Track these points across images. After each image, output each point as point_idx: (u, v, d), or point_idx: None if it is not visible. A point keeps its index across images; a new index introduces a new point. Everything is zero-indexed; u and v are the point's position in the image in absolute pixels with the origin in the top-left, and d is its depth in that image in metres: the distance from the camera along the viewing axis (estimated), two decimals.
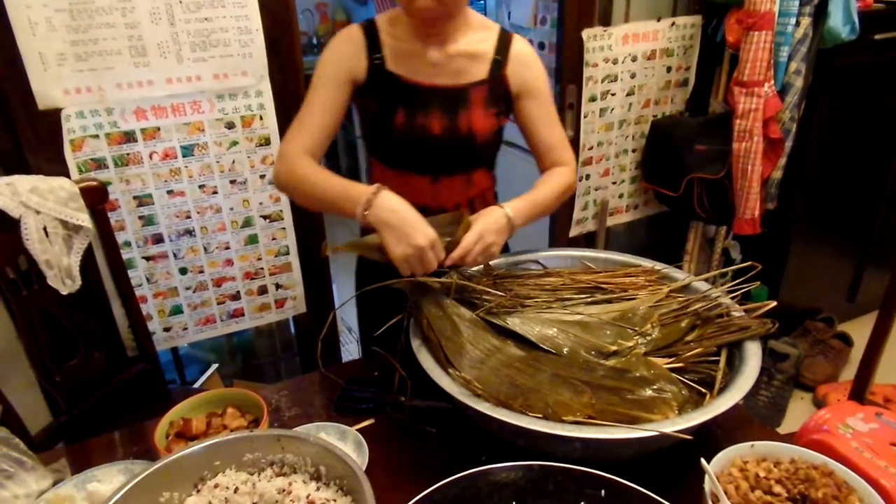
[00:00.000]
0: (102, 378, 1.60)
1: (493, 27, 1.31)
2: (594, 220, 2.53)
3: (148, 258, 1.79)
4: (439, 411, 1.08)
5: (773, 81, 2.03)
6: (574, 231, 2.49)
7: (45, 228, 1.41)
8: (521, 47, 1.30)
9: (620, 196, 2.54)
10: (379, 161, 1.35)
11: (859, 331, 2.54)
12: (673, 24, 2.29)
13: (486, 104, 1.28)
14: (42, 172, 1.48)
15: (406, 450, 1.03)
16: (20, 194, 1.36)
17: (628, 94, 2.34)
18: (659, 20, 2.27)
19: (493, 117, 1.30)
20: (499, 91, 1.29)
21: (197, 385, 2.05)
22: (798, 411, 2.40)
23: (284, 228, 1.94)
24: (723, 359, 1.02)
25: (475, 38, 1.27)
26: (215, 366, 2.11)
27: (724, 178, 2.17)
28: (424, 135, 1.26)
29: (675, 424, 0.85)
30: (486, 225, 1.14)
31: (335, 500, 0.80)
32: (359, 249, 1.20)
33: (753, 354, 0.99)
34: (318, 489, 0.83)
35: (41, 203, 1.40)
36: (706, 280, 1.20)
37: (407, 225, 1.05)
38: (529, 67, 1.30)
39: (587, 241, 2.54)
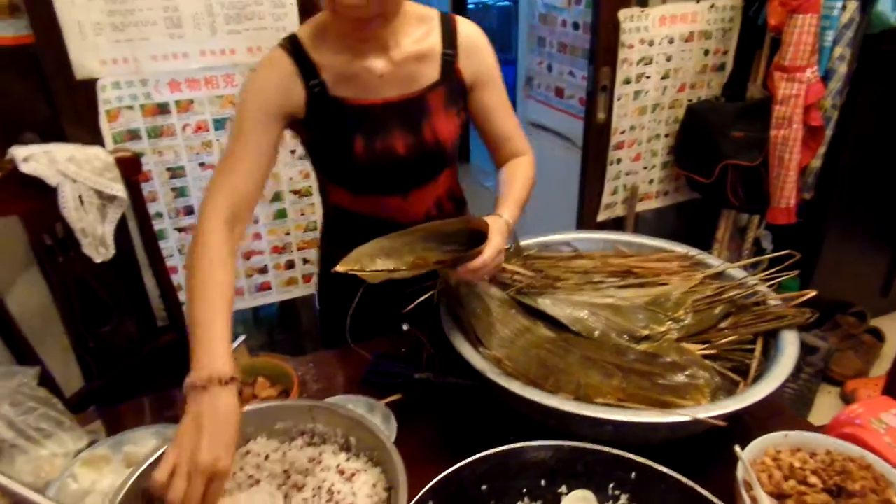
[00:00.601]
0: (133, 345, 1.63)
1: (433, 15, 1.16)
2: (623, 206, 2.50)
3: (179, 229, 1.81)
4: (468, 389, 1.07)
5: (816, 67, 1.97)
6: (602, 216, 2.47)
7: (80, 197, 1.43)
8: (467, 32, 1.16)
9: (651, 181, 2.50)
10: (338, 187, 1.22)
11: (892, 326, 2.49)
12: (712, 5, 2.23)
13: (446, 106, 1.16)
14: (78, 142, 1.50)
15: (433, 426, 1.03)
16: (58, 162, 1.38)
17: (663, 78, 2.29)
18: (698, 1, 2.21)
19: (454, 118, 1.18)
20: (455, 88, 1.16)
21: None
22: (825, 406, 2.37)
23: (313, 204, 1.94)
24: (758, 347, 1.00)
25: (418, 34, 1.13)
26: (243, 337, 2.12)
27: (759, 166, 2.12)
28: (389, 158, 1.13)
29: (708, 411, 0.84)
30: (502, 240, 1.01)
31: (365, 471, 0.81)
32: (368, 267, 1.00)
33: (791, 344, 0.97)
34: (347, 460, 0.83)
35: (78, 172, 1.42)
36: (742, 267, 1.18)
37: (211, 437, 0.73)
38: (479, 53, 1.17)
39: (615, 226, 2.51)
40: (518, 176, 1.19)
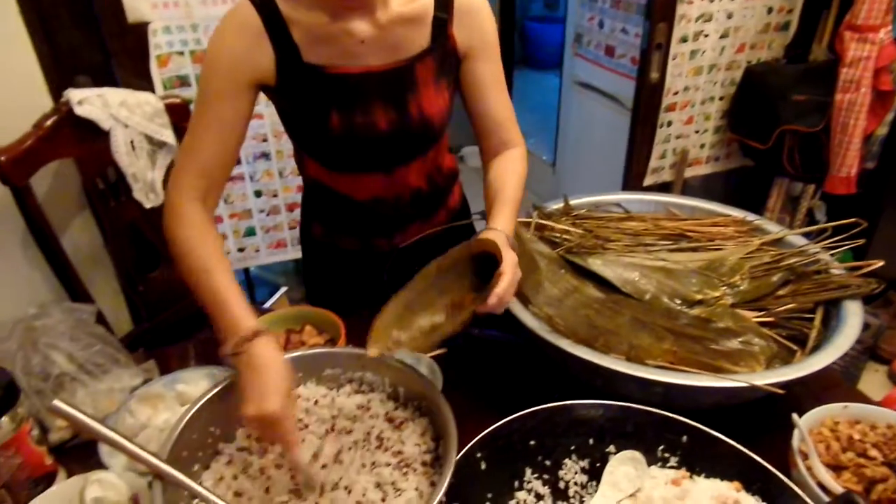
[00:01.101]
0: (180, 292, 1.66)
1: None
2: (671, 171, 2.43)
3: None
4: (513, 346, 1.07)
5: (890, 27, 1.86)
6: (649, 180, 2.41)
7: (132, 142, 1.45)
8: None
9: (702, 146, 2.42)
10: (314, 162, 1.10)
11: None
12: None
13: (436, 78, 1.01)
14: (129, 87, 1.51)
15: (478, 381, 1.03)
16: (110, 106, 1.40)
17: (722, 37, 2.19)
18: None
19: (444, 92, 1.03)
20: (447, 58, 1.02)
21: (266, 306, 2.11)
22: (871, 384, 2.31)
23: None
24: (818, 316, 0.97)
25: None
26: (284, 289, 2.17)
27: (820, 132, 2.03)
28: (369, 135, 1.00)
29: (764, 377, 0.82)
30: (514, 254, 0.87)
31: (413, 420, 0.82)
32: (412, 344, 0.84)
33: (854, 314, 0.93)
34: (395, 408, 0.84)
35: (129, 117, 1.43)
36: (803, 235, 1.13)
37: (251, 390, 0.75)
38: (477, 18, 1.02)
39: (661, 191, 2.44)
40: (510, 174, 1.04)
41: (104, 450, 0.83)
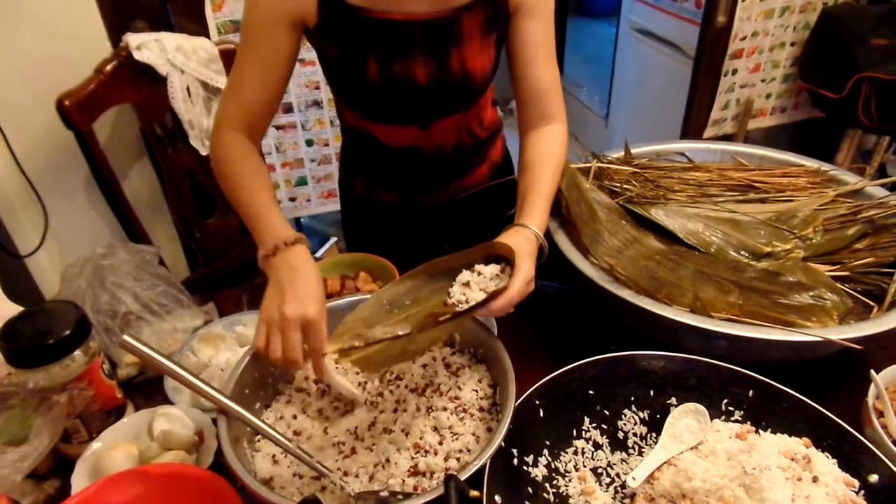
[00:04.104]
0: (235, 239, 1.70)
1: None
2: (733, 122, 2.32)
3: (278, 127, 1.83)
4: (567, 297, 1.05)
5: None
6: (709, 132, 2.30)
7: (188, 88, 1.45)
8: None
9: (768, 96, 2.29)
10: (352, 110, 1.08)
11: None
12: None
13: (483, 33, 0.96)
14: (184, 31, 1.50)
15: (533, 332, 1.02)
16: (167, 52, 1.40)
17: None
18: None
19: (491, 48, 0.98)
20: (497, 11, 0.96)
21: (317, 256, 2.14)
22: None
23: None
24: None
25: None
26: (334, 239, 2.19)
27: None
28: (406, 87, 0.97)
29: (839, 333, 0.78)
30: (531, 265, 0.79)
31: (469, 367, 0.81)
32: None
33: None
34: (452, 354, 0.84)
35: (185, 63, 1.43)
36: (883, 186, 1.06)
37: (293, 289, 0.75)
38: None
39: None
40: (548, 160, 0.97)
41: (169, 386, 0.86)
